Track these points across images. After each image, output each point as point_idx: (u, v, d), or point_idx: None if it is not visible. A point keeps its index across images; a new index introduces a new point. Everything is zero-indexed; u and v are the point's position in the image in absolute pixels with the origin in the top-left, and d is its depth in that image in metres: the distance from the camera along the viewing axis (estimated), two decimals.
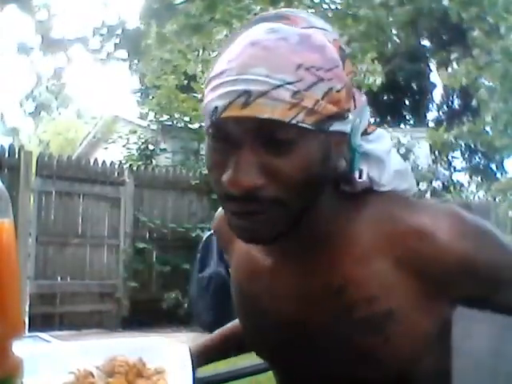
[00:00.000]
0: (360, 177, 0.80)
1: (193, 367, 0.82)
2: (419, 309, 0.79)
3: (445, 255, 0.77)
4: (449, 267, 0.77)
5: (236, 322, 1.13)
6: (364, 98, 0.82)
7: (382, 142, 0.83)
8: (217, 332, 1.19)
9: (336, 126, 0.74)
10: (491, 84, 5.42)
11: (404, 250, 0.78)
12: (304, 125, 0.70)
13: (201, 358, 1.08)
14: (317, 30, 0.76)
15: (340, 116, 0.74)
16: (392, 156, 0.84)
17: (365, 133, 0.81)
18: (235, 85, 0.69)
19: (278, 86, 0.69)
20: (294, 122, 0.69)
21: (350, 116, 0.76)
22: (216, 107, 0.70)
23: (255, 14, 4.30)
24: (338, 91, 0.73)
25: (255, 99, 0.68)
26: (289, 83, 0.69)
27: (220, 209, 0.98)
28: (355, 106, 0.79)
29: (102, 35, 3.60)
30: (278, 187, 0.72)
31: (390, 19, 4.41)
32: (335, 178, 0.79)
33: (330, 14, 4.74)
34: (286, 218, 0.75)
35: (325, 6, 5.03)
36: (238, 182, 0.70)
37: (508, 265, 0.83)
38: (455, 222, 0.79)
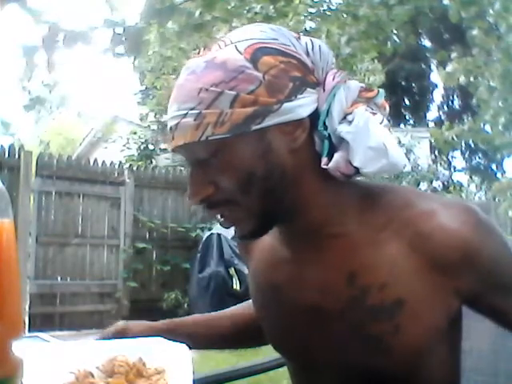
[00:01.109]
0: (328, 162, 0.82)
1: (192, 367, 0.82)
2: (428, 300, 0.81)
3: (453, 239, 0.80)
4: (455, 252, 0.80)
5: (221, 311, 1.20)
6: (340, 79, 0.84)
7: (355, 121, 0.82)
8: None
9: (270, 120, 0.80)
10: (491, 83, 5.41)
11: (415, 233, 0.81)
12: (215, 137, 0.79)
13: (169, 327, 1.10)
14: (229, 46, 0.83)
15: (267, 111, 0.79)
16: (369, 133, 0.81)
17: (344, 116, 0.83)
18: (169, 123, 0.84)
19: (184, 116, 0.80)
20: (203, 138, 0.79)
21: (289, 104, 0.80)
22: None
23: (255, 13, 4.29)
24: (249, 93, 0.79)
25: (174, 132, 0.82)
26: (192, 109, 0.80)
27: None
28: (324, 89, 0.83)
29: (102, 34, 3.59)
30: (223, 191, 0.82)
31: (390, 19, 4.40)
32: (318, 165, 0.82)
33: (329, 14, 4.74)
34: (250, 214, 0.83)
35: (325, 6, 5.03)
36: (192, 196, 0.85)
37: (509, 267, 0.85)
38: (466, 213, 0.83)
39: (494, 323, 0.88)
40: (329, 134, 0.82)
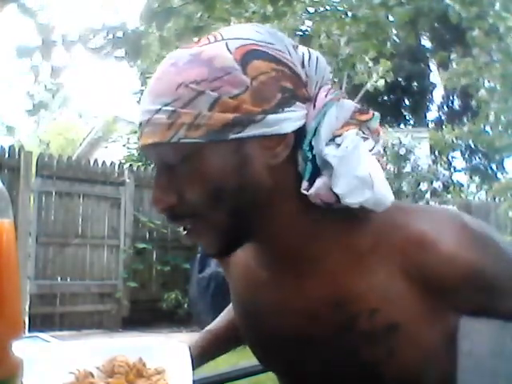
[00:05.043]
0: (309, 187, 0.74)
1: (193, 367, 0.82)
2: (424, 322, 0.77)
3: (450, 266, 0.74)
4: (455, 279, 0.74)
5: (225, 316, 1.16)
6: (334, 96, 0.77)
7: (343, 144, 0.75)
8: (209, 330, 1.17)
9: (251, 131, 0.72)
10: (491, 84, 5.42)
11: (406, 260, 0.75)
12: (187, 140, 0.71)
13: (198, 359, 1.07)
14: (219, 42, 0.75)
15: (249, 120, 0.72)
16: (357, 160, 0.75)
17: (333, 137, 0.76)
18: (141, 117, 0.75)
19: (157, 111, 0.72)
20: (174, 140, 0.71)
21: (274, 117, 0.72)
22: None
23: (253, 12, 4.29)
24: (232, 97, 0.71)
25: (144, 128, 0.74)
26: (166, 104, 0.72)
27: None
28: (314, 106, 0.76)
29: (102, 36, 3.59)
30: (187, 203, 0.74)
31: (390, 19, 4.40)
32: (298, 187, 0.75)
33: (329, 14, 4.74)
34: (219, 231, 0.76)
35: (324, 6, 5.03)
36: (155, 203, 0.76)
37: (509, 274, 0.79)
38: (459, 230, 0.76)
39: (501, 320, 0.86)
40: (313, 156, 0.74)
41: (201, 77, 0.72)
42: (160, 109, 0.72)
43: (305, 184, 0.75)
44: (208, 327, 1.17)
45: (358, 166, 0.74)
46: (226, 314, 1.19)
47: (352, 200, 0.74)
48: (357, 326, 0.77)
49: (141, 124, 0.75)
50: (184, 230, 0.78)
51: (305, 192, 0.75)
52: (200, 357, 1.09)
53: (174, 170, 0.74)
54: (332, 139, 0.75)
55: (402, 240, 0.76)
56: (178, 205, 0.75)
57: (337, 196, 0.74)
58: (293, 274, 0.81)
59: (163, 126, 0.72)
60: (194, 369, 0.88)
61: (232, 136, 0.72)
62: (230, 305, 1.16)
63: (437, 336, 0.78)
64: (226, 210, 0.74)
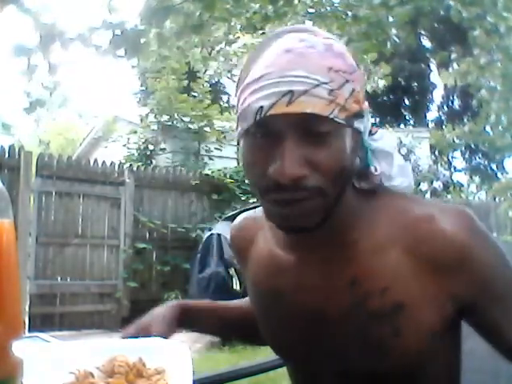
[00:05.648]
0: (376, 170, 0.87)
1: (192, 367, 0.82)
2: (426, 305, 0.83)
3: (451, 243, 0.82)
4: (452, 255, 0.82)
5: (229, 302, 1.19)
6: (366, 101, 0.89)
7: (387, 139, 0.91)
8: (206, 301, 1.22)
9: (356, 124, 0.82)
10: (492, 84, 5.41)
11: (413, 237, 0.83)
12: (338, 120, 0.78)
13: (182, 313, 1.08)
14: (334, 40, 0.85)
15: (359, 115, 0.82)
16: (396, 152, 0.91)
17: (369, 133, 0.89)
18: (278, 86, 0.76)
19: (316, 85, 0.76)
20: (331, 116, 0.77)
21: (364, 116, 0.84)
22: (261, 107, 0.77)
23: (254, 13, 4.29)
24: (358, 92, 0.81)
25: (298, 97, 0.76)
26: (324, 83, 0.77)
27: (237, 219, 1.08)
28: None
29: (101, 34, 3.59)
30: (319, 177, 0.78)
31: (390, 19, 4.40)
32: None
33: (329, 14, 4.74)
34: (325, 208, 0.81)
35: (325, 6, 5.02)
36: (286, 172, 0.76)
37: (503, 277, 0.86)
38: (464, 218, 0.85)
39: (491, 345, 0.88)
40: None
41: (343, 67, 0.80)
42: (318, 84, 0.77)
43: (372, 168, 0.87)
44: (217, 302, 1.20)
45: (398, 157, 0.90)
46: (236, 301, 1.22)
47: (396, 183, 0.89)
48: (368, 304, 0.84)
49: (289, 91, 0.76)
50: (292, 202, 0.79)
51: (376, 173, 0.87)
52: (187, 315, 1.08)
53: (308, 143, 0.78)
54: (369, 136, 0.89)
55: (410, 221, 0.85)
56: (307, 177, 0.78)
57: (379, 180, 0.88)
58: (317, 254, 0.88)
59: (324, 101, 0.77)
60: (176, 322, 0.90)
61: (355, 125, 0.81)
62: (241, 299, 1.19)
63: (436, 321, 0.84)
64: (340, 187, 0.82)
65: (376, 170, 0.88)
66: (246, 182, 7.95)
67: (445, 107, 19.83)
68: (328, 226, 0.84)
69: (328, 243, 0.87)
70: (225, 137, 9.09)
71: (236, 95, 0.85)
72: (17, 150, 6.12)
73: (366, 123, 0.85)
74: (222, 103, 13.35)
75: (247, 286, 1.04)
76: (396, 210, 0.87)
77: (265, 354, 1.37)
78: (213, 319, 1.15)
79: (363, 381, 0.88)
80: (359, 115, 0.82)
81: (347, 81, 0.79)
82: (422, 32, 14.56)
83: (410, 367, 0.85)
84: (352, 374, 0.88)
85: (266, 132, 0.79)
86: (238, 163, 9.24)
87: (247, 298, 1.19)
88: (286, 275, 0.92)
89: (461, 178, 15.71)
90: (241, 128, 0.82)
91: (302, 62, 0.78)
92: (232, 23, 4.52)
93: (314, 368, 0.93)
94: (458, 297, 0.83)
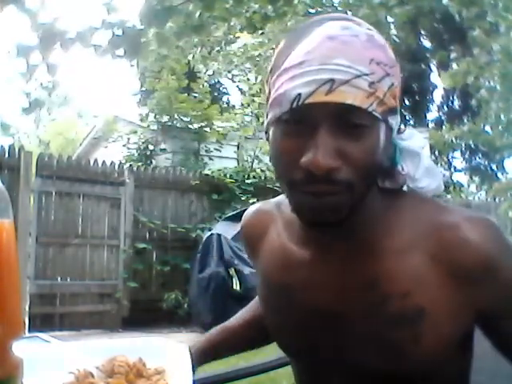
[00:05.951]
0: (403, 170, 0.86)
1: (193, 367, 0.82)
2: (447, 313, 0.81)
3: (475, 252, 0.80)
4: (477, 265, 0.79)
5: (243, 315, 1.16)
6: None
7: (415, 139, 0.88)
8: (225, 326, 1.17)
9: (390, 120, 0.80)
10: (492, 84, 5.41)
11: (438, 244, 0.81)
12: (375, 113, 0.76)
13: (206, 354, 1.07)
14: (375, 32, 0.82)
15: (395, 111, 0.80)
16: (424, 153, 0.88)
17: (398, 132, 0.86)
18: (319, 74, 0.74)
19: (358, 76, 0.74)
20: (370, 109, 0.75)
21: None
22: (299, 94, 0.74)
23: (254, 12, 4.28)
24: (396, 87, 0.79)
25: (338, 86, 0.73)
26: (365, 74, 0.75)
27: (249, 210, 1.05)
28: None
29: (101, 34, 3.59)
30: (350, 171, 0.76)
31: (390, 19, 4.40)
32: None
33: None
34: (351, 204, 0.78)
35: (324, 5, 5.03)
36: (319, 163, 0.74)
37: None
38: (489, 228, 0.83)
39: (505, 355, 0.87)
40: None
41: (384, 60, 0.78)
42: (360, 75, 0.75)
43: (400, 167, 0.86)
44: (224, 323, 1.17)
45: (425, 158, 0.88)
46: (244, 313, 1.19)
47: (422, 184, 0.87)
48: (388, 307, 0.81)
49: (327, 81, 0.73)
50: (321, 195, 0.76)
51: (403, 173, 0.86)
52: (213, 352, 1.09)
53: (342, 134, 0.75)
54: (398, 134, 0.86)
55: (436, 227, 0.82)
56: (339, 169, 0.75)
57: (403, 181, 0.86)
58: (333, 253, 0.86)
59: (364, 93, 0.75)
60: (203, 363, 0.88)
61: (389, 120, 0.79)
62: (247, 306, 1.17)
63: (456, 331, 0.82)
64: (368, 184, 0.80)
65: (403, 169, 0.86)
66: (246, 181, 7.97)
67: (445, 107, 19.81)
68: (349, 223, 0.81)
69: (346, 241, 0.85)
70: (225, 137, 9.09)
71: (268, 81, 0.82)
72: (17, 150, 6.12)
73: (397, 120, 0.82)
74: (221, 103, 13.34)
75: (258, 277, 1.02)
76: (420, 213, 0.85)
77: (265, 354, 1.37)
78: (235, 344, 1.15)
79: (374, 378, 0.86)
80: (394, 111, 0.80)
81: (387, 74, 0.77)
82: (422, 32, 14.55)
83: (424, 372, 0.84)
84: (361, 374, 0.86)
85: (301, 120, 0.76)
86: (238, 163, 9.24)
87: (246, 308, 1.18)
88: (298, 271, 0.90)
89: (461, 178, 15.71)
90: (272, 115, 0.79)
91: (344, 50, 0.75)
92: (232, 23, 4.52)
93: (320, 366, 0.91)
94: (479, 307, 0.82)
